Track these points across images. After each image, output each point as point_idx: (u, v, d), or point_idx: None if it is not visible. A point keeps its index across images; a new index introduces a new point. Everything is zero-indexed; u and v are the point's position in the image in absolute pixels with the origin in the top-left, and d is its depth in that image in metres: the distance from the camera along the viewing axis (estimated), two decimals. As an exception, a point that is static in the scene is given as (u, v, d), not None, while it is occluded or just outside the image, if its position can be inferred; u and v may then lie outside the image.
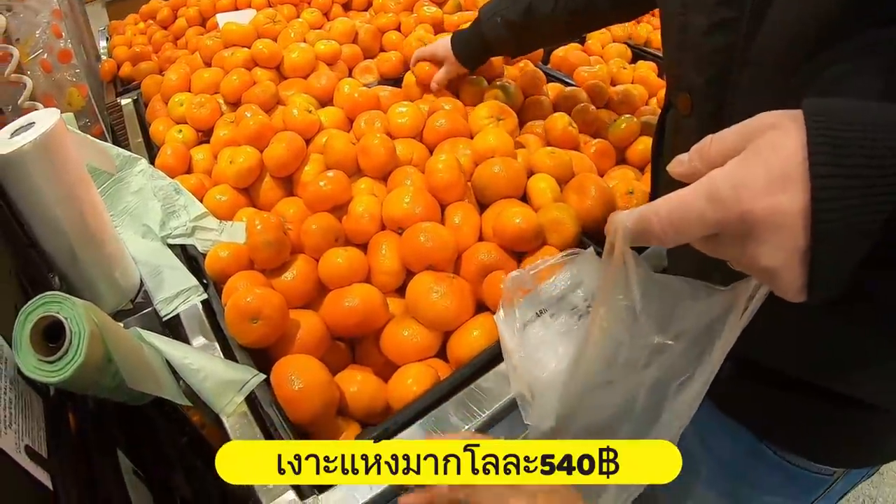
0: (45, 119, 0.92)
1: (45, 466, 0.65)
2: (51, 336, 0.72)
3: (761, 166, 0.40)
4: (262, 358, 0.99)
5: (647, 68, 1.82)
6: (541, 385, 0.83)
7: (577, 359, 0.73)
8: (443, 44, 1.44)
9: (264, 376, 0.93)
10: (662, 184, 0.97)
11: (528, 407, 0.83)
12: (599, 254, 0.98)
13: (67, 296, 0.73)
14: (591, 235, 1.14)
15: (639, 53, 1.94)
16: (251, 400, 0.93)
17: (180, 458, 1.04)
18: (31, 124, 0.91)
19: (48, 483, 0.64)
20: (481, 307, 1.04)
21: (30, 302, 0.71)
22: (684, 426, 0.68)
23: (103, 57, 2.14)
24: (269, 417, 0.90)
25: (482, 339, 0.96)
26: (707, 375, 0.65)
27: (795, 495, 0.88)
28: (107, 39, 2.26)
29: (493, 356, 0.95)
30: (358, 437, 0.86)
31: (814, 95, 0.49)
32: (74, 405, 0.82)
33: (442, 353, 1.02)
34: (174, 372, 0.93)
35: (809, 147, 0.38)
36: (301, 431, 0.91)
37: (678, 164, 0.48)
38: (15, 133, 0.90)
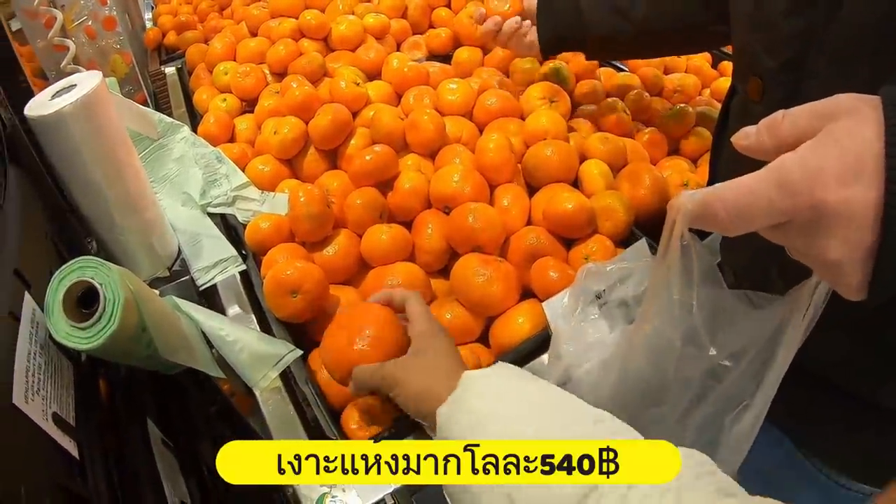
0: (86, 81, 0.91)
1: (73, 435, 0.64)
2: (84, 302, 0.71)
3: (836, 154, 0.38)
4: (299, 333, 0.98)
5: (701, 59, 1.77)
6: (576, 380, 0.82)
7: (622, 357, 0.71)
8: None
9: (301, 352, 0.91)
10: (722, 173, 0.94)
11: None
12: (651, 246, 0.96)
13: (102, 261, 0.71)
14: (643, 226, 1.10)
15: (694, 43, 1.89)
16: (285, 375, 0.92)
17: (209, 427, 1.04)
18: (73, 86, 0.91)
19: (75, 452, 0.63)
20: (526, 293, 1.01)
21: (64, 266, 0.70)
22: (743, 457, 0.66)
23: (148, 26, 2.14)
24: (302, 394, 0.89)
25: (527, 326, 0.93)
26: (764, 401, 0.63)
27: None
28: (151, 9, 2.27)
29: (538, 345, 0.92)
30: (395, 420, 0.84)
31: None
32: (106, 371, 0.81)
33: (483, 339, 1.00)
34: (208, 342, 0.92)
35: (887, 138, 0.36)
36: (335, 410, 0.89)
37: (744, 137, 0.47)
38: (56, 95, 0.89)
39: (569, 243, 1.07)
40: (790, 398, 0.80)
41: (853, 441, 0.79)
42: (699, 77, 1.65)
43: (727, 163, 0.90)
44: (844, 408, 0.76)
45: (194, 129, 1.37)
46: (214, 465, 0.93)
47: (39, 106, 0.87)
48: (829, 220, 0.39)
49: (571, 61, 1.52)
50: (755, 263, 0.78)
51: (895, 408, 0.70)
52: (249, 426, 1.09)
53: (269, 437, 0.88)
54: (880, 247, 0.37)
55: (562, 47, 1.26)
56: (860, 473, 0.81)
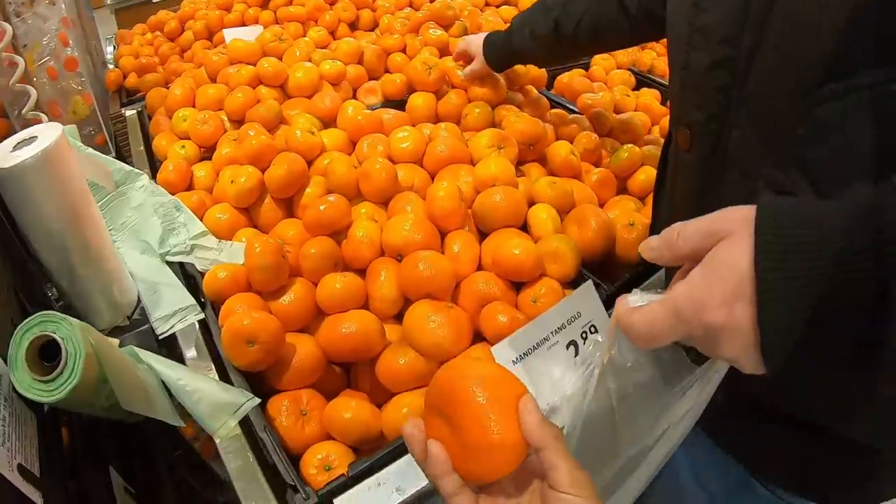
0: (47, 133, 0.93)
1: (37, 486, 0.66)
2: (46, 355, 0.73)
3: (717, 284, 0.47)
4: (257, 380, 1.00)
5: (650, 96, 1.84)
6: None
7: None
8: (476, 41, 1.52)
9: (259, 400, 0.92)
10: (664, 215, 1.00)
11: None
12: (597, 285, 1.00)
13: (64, 316, 0.74)
14: (591, 267, 1.15)
15: (643, 80, 1.96)
16: (244, 423, 0.93)
17: (171, 474, 1.04)
18: (34, 138, 0.92)
19: (40, 502, 0.65)
20: (479, 337, 1.04)
21: (26, 321, 0.72)
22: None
23: (109, 65, 2.15)
24: (262, 441, 0.90)
25: (478, 369, 0.96)
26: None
27: None
28: (114, 47, 2.28)
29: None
30: (351, 466, 0.86)
31: (807, 135, 0.58)
32: (68, 420, 0.83)
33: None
34: (169, 391, 0.93)
35: (756, 264, 0.44)
36: (293, 456, 0.91)
37: (648, 250, 0.55)
38: (17, 147, 0.90)
39: (518, 286, 1.10)
40: (739, 425, 0.85)
41: (801, 462, 0.82)
42: (648, 114, 1.71)
43: (666, 206, 0.95)
44: (791, 432, 0.79)
45: (152, 171, 1.38)
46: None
47: (0, 158, 0.88)
48: (719, 334, 0.47)
49: (523, 105, 1.58)
50: None
51: (843, 432, 0.73)
52: (212, 470, 1.10)
53: (230, 483, 0.89)
54: (762, 346, 0.45)
55: (511, 65, 1.55)
56: (810, 492, 0.85)
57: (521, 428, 0.53)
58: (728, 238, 0.47)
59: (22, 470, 0.64)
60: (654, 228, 1.06)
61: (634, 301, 0.53)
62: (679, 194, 0.87)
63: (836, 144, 0.59)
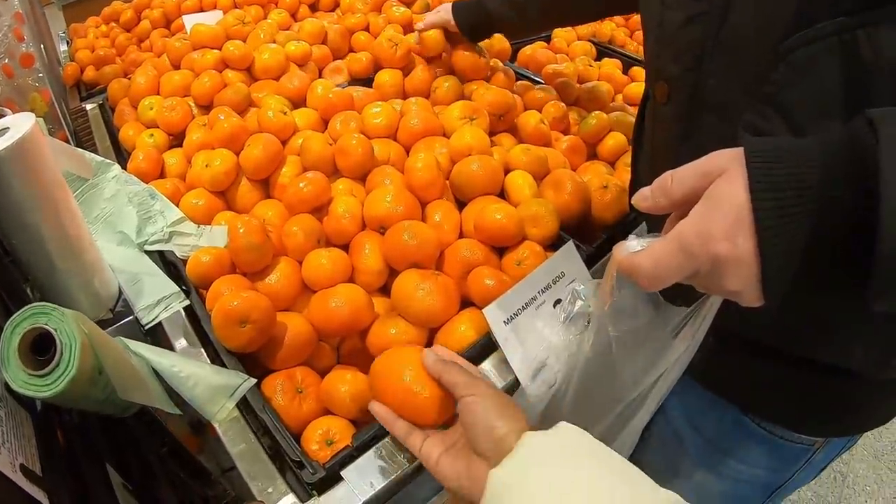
0: (20, 124, 0.89)
1: (41, 485, 0.64)
2: (38, 349, 0.70)
3: (719, 217, 0.48)
4: (250, 362, 0.99)
5: (612, 66, 1.87)
6: (527, 370, 0.89)
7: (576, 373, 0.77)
8: (444, 7, 1.49)
9: (255, 380, 0.92)
10: (642, 172, 1.01)
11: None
12: (577, 246, 1.02)
13: (55, 306, 0.71)
14: (569, 229, 1.16)
15: (603, 51, 1.99)
16: (242, 405, 0.92)
17: (164, 469, 1.02)
18: (6, 129, 0.88)
19: (45, 502, 0.63)
20: (465, 303, 1.05)
21: (16, 314, 0.70)
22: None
23: (63, 61, 2.09)
24: (261, 421, 0.89)
25: (470, 332, 0.98)
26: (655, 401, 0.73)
27: (778, 467, 0.93)
28: (67, 43, 2.21)
29: (482, 349, 0.96)
30: (354, 437, 0.86)
31: (782, 80, 0.60)
32: (60, 419, 0.80)
33: (428, 350, 1.02)
34: (161, 380, 0.92)
35: (752, 195, 0.46)
36: (294, 433, 0.91)
37: (643, 199, 0.56)
38: None
39: (500, 251, 1.11)
40: (729, 365, 0.87)
41: (791, 396, 0.85)
42: (612, 83, 1.73)
43: (646, 163, 0.97)
44: (779, 366, 0.82)
45: (121, 166, 1.34)
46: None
47: (-27, 150, 0.84)
48: (725, 266, 0.48)
49: (491, 78, 1.58)
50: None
51: (828, 361, 0.76)
52: (201, 464, 1.09)
53: (217, 477, 0.88)
54: (763, 275, 0.47)
55: (482, 32, 1.51)
56: (802, 425, 0.88)
57: (425, 368, 0.76)
58: (723, 175, 0.49)
59: (24, 470, 0.62)
60: (633, 188, 1.07)
61: (633, 246, 0.54)
62: (659, 146, 0.89)
63: (810, 88, 0.60)
